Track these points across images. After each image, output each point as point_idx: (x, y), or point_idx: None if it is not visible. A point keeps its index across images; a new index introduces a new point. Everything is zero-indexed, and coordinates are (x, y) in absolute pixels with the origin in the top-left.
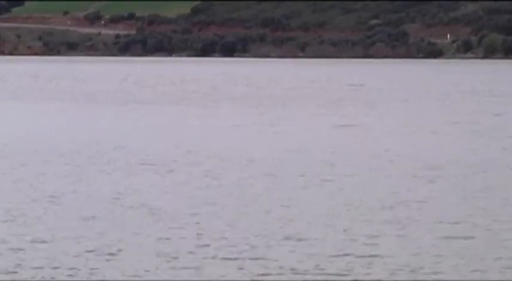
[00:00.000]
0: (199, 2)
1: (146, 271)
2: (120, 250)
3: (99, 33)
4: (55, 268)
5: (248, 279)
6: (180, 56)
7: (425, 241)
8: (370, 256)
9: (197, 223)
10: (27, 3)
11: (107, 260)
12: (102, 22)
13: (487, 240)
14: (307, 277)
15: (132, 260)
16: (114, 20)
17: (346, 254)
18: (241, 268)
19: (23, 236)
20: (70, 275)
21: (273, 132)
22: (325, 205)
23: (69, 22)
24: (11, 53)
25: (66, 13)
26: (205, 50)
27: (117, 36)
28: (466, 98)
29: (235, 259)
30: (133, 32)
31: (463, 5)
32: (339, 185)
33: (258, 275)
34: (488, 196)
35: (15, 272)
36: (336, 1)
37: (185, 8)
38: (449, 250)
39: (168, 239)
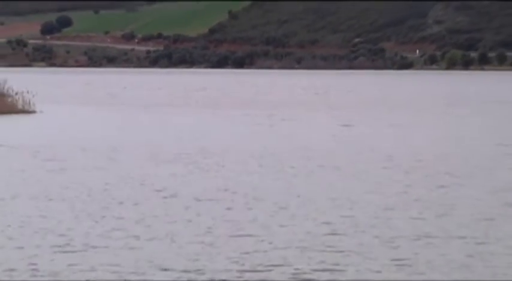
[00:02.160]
0: (215, 24)
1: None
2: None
3: (133, 49)
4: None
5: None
6: (199, 67)
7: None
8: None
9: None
10: (75, 24)
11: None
12: (136, 40)
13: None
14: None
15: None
16: (146, 39)
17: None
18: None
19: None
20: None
21: (272, 130)
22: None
23: (109, 40)
24: (61, 65)
25: (106, 33)
26: (220, 63)
27: (148, 51)
28: (433, 101)
29: (248, 235)
30: (161, 48)
31: (429, 27)
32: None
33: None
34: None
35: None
36: (326, 22)
37: (203, 29)
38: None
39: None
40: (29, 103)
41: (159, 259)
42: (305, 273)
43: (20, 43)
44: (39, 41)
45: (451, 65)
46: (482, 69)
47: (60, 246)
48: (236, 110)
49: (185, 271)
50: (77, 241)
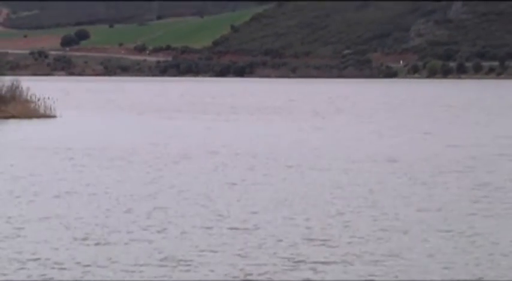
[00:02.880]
0: (219, 37)
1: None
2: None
3: (145, 60)
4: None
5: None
6: (204, 76)
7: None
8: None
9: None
10: (92, 37)
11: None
12: (147, 52)
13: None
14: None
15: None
16: (156, 50)
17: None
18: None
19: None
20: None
21: (267, 131)
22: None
23: (122, 51)
24: (79, 74)
25: (120, 45)
26: (223, 72)
27: (158, 62)
28: (415, 106)
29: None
30: (169, 59)
31: (412, 39)
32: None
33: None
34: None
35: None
36: (318, 35)
37: (208, 42)
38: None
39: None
40: (50, 108)
41: (171, 251)
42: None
43: (42, 54)
44: (59, 52)
45: (432, 74)
46: (460, 77)
47: (82, 239)
48: (234, 115)
49: (200, 265)
50: (96, 234)
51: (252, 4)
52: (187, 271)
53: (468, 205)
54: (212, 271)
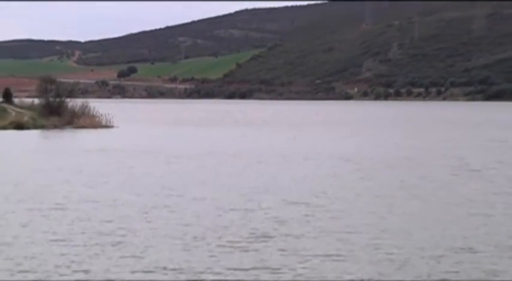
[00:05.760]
0: (228, 71)
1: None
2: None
3: (176, 87)
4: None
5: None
6: (217, 99)
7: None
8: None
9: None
10: (139, 71)
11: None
12: (178, 81)
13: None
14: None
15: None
16: (184, 80)
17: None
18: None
19: None
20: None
21: (259, 140)
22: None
23: (160, 81)
24: (130, 97)
25: (159, 76)
26: (231, 96)
27: (185, 89)
28: (365, 119)
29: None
30: (193, 86)
31: (363, 73)
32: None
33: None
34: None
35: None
36: (298, 70)
37: (220, 74)
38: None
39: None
40: (110, 121)
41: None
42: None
43: (104, 83)
44: (116, 82)
45: (377, 97)
46: (397, 99)
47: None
48: (235, 127)
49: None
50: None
51: (251, 48)
52: None
53: (397, 193)
54: None
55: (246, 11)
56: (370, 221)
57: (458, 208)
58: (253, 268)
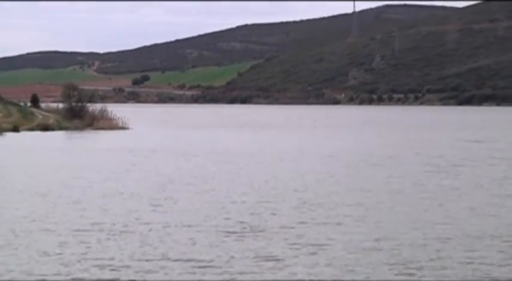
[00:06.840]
0: (230, 79)
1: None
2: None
3: (184, 93)
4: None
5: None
6: (221, 104)
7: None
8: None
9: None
10: (151, 79)
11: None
12: (186, 88)
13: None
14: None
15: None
16: (191, 87)
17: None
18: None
19: None
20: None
21: (259, 140)
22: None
23: (170, 88)
24: (143, 102)
25: (169, 84)
26: (232, 101)
27: (192, 95)
28: (351, 122)
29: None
30: (199, 93)
31: (349, 81)
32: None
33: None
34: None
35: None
36: (292, 78)
37: (223, 82)
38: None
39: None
40: (125, 123)
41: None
42: None
43: (120, 90)
44: (131, 89)
45: (362, 102)
46: (379, 104)
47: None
48: (238, 129)
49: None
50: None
51: (251, 59)
52: None
53: (379, 187)
54: None
55: (246, 26)
56: (353, 213)
57: (427, 200)
58: (254, 257)
